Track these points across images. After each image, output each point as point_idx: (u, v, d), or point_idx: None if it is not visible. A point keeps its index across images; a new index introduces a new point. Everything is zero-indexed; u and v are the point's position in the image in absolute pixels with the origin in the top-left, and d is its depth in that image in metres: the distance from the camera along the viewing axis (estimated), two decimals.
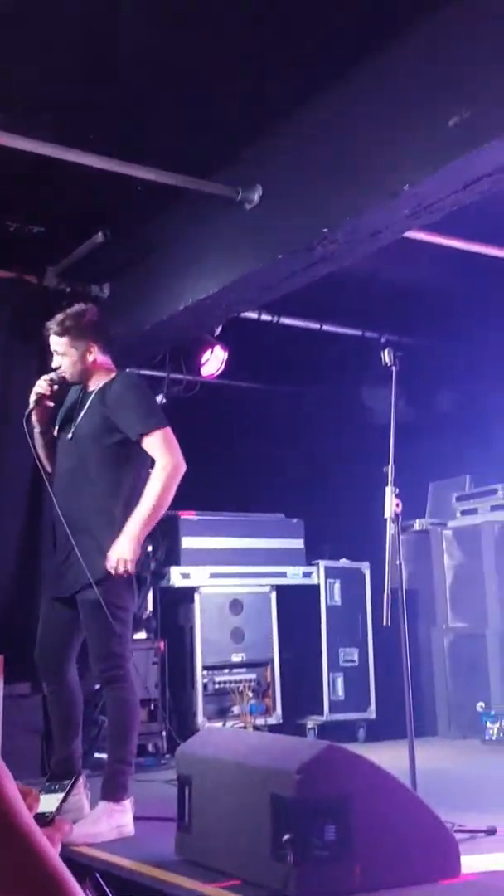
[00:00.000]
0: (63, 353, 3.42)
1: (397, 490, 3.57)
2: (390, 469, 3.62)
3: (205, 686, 5.34)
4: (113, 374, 3.48)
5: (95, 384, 3.45)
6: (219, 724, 5.21)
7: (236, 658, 5.50)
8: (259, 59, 3.63)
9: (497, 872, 2.64)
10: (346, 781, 2.54)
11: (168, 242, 4.75)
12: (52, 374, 3.42)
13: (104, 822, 3.13)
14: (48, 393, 3.39)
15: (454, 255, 5.14)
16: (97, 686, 3.76)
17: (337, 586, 5.87)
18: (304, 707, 5.65)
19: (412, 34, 3.37)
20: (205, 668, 5.37)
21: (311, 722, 5.57)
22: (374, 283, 5.78)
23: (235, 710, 5.34)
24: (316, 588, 5.82)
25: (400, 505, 3.58)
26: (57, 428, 3.50)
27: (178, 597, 5.48)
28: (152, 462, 3.36)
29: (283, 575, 5.82)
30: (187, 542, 5.55)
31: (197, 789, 2.89)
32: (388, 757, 3.54)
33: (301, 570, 5.86)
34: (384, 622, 3.40)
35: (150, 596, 5.36)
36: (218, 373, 6.06)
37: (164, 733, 5.12)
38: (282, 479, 6.39)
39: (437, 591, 6.00)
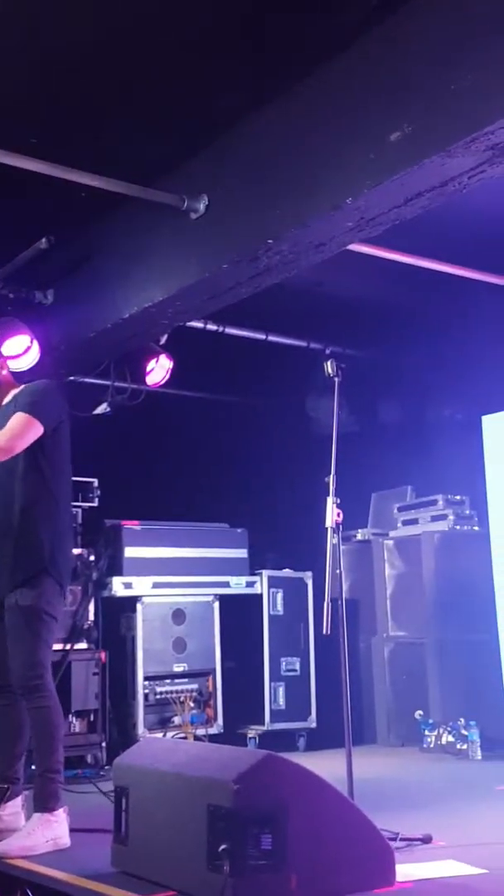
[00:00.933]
0: None
1: (338, 500, 3.60)
2: (331, 479, 3.65)
3: (146, 696, 5.31)
4: (21, 386, 3.53)
5: (6, 398, 3.51)
6: (159, 735, 5.18)
7: (178, 668, 5.47)
8: (207, 69, 3.64)
9: (431, 880, 2.66)
10: (283, 791, 2.54)
11: (113, 249, 4.73)
12: None
13: (39, 835, 3.09)
14: None
15: (398, 268, 5.20)
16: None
17: (280, 596, 5.89)
18: (245, 717, 5.65)
19: (357, 48, 3.41)
20: (146, 678, 5.34)
21: (252, 731, 5.57)
22: (320, 295, 5.82)
23: (177, 720, 5.31)
24: (259, 597, 5.82)
25: (341, 515, 3.61)
26: None
27: (120, 606, 5.44)
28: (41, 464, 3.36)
29: (227, 585, 5.82)
30: (130, 552, 5.52)
31: (134, 800, 2.87)
32: (327, 765, 3.56)
33: (245, 579, 5.87)
34: (324, 631, 3.42)
35: (91, 605, 5.31)
36: (163, 382, 6.04)
37: (103, 744, 5.07)
38: (226, 489, 6.39)
39: (377, 600, 6.06)
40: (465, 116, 2.95)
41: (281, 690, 5.67)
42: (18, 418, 3.32)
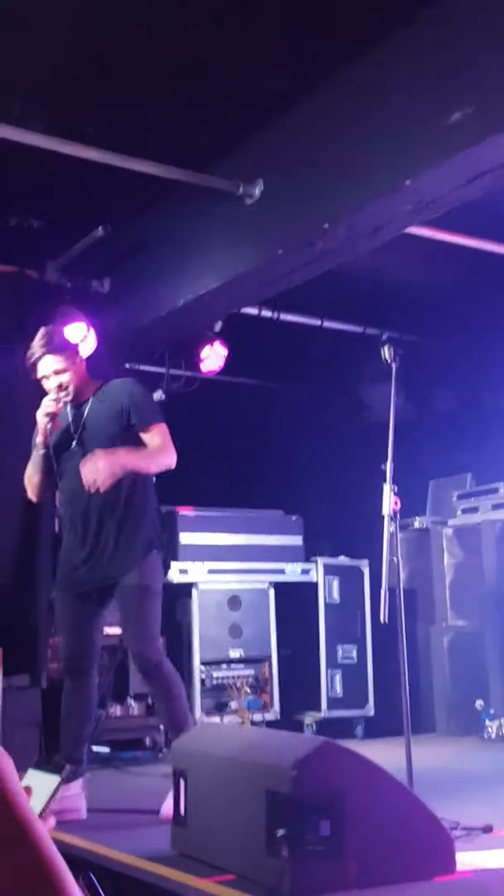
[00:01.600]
0: (62, 369, 3.51)
1: (396, 487, 3.56)
2: (389, 466, 3.60)
3: (202, 682, 5.34)
4: (99, 382, 3.61)
5: (88, 391, 3.58)
6: (216, 720, 5.20)
7: (234, 654, 5.49)
8: (260, 52, 3.62)
9: (492, 870, 2.63)
10: (341, 777, 2.53)
11: (168, 237, 4.74)
12: (53, 395, 3.50)
13: None
14: (56, 412, 3.49)
15: (457, 251, 5.12)
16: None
17: (336, 583, 5.87)
18: (301, 703, 5.65)
19: (415, 27, 3.35)
20: (202, 663, 5.37)
21: (309, 718, 5.57)
22: (377, 280, 5.76)
23: (233, 705, 5.33)
24: (314, 585, 5.81)
25: (398, 502, 3.56)
26: (51, 450, 3.54)
27: (176, 592, 5.47)
28: None
29: (282, 572, 5.82)
30: (185, 538, 5.55)
31: (192, 784, 2.89)
32: (385, 754, 3.54)
33: (300, 566, 5.86)
34: (382, 619, 3.39)
35: None
36: (218, 369, 6.04)
37: (161, 728, 5.12)
38: (281, 476, 6.38)
39: (436, 589, 5.99)
40: None
41: (338, 678, 5.66)
42: (161, 431, 3.49)
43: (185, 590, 5.46)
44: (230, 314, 5.35)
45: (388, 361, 3.73)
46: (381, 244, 4.15)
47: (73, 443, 3.52)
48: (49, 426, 3.47)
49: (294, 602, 5.82)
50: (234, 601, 5.59)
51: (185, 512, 5.60)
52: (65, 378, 3.50)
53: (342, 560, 5.97)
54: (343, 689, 5.66)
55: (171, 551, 5.49)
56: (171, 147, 4.11)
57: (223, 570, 5.59)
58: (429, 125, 3.27)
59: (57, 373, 3.50)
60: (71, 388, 3.51)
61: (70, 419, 3.57)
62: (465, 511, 6.09)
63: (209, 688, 5.37)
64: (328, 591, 5.83)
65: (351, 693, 5.67)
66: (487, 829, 3.02)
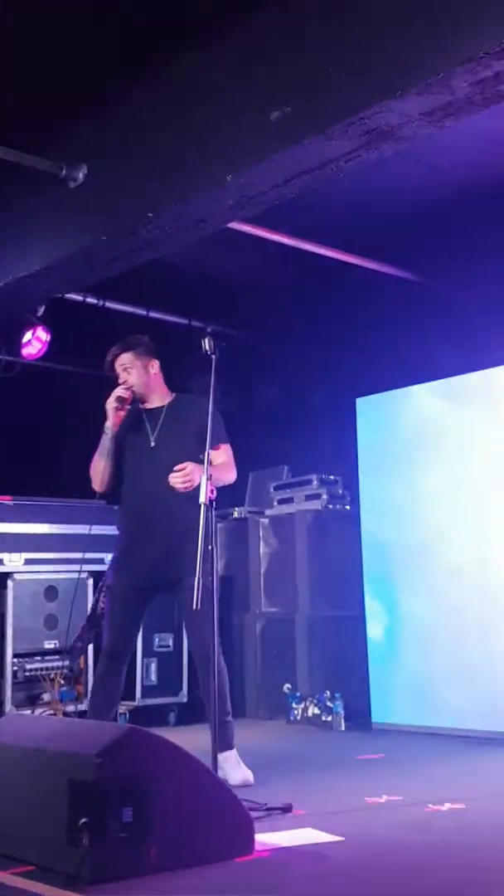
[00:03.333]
0: (126, 368, 3.97)
1: (213, 476, 3.61)
2: (206, 456, 3.66)
3: (14, 674, 5.22)
4: (173, 394, 4.06)
5: (161, 400, 4.01)
6: (27, 712, 5.11)
7: (49, 645, 5.40)
8: (91, 36, 3.56)
9: (288, 848, 2.73)
10: (145, 764, 2.55)
11: None
12: (122, 387, 3.94)
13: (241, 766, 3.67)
14: (127, 397, 3.92)
15: (280, 249, 5.26)
16: None
17: None
18: None
19: (241, 26, 3.40)
20: (15, 655, 5.25)
21: (123, 707, 5.56)
22: (203, 273, 5.82)
23: (46, 697, 5.25)
24: None
25: (214, 491, 3.62)
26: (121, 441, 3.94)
27: None
28: None
29: (102, 562, 5.76)
30: (2, 528, 5.40)
31: None
32: (195, 739, 3.60)
33: None
34: (195, 606, 3.43)
35: None
36: (40, 355, 5.92)
37: None
38: None
39: (252, 577, 6.14)
40: (343, 100, 2.99)
41: (153, 666, 5.69)
42: (227, 450, 3.93)
43: (1, 580, 5.32)
44: (54, 299, 5.25)
45: (209, 352, 3.78)
46: (206, 237, 4.20)
47: (151, 444, 3.91)
48: (119, 410, 3.89)
49: None
50: (50, 592, 5.50)
51: (3, 501, 5.45)
52: (127, 376, 3.96)
53: None
54: (158, 677, 5.69)
55: None
56: None
57: (41, 561, 5.48)
58: (251, 122, 3.33)
59: (126, 369, 3.97)
60: (135, 386, 3.95)
61: (146, 422, 3.96)
62: (280, 502, 6.26)
63: (21, 680, 5.26)
64: None
65: (166, 681, 5.71)
66: (287, 809, 3.13)
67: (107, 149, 4.02)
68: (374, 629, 5.60)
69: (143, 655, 5.66)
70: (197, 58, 3.61)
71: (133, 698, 5.58)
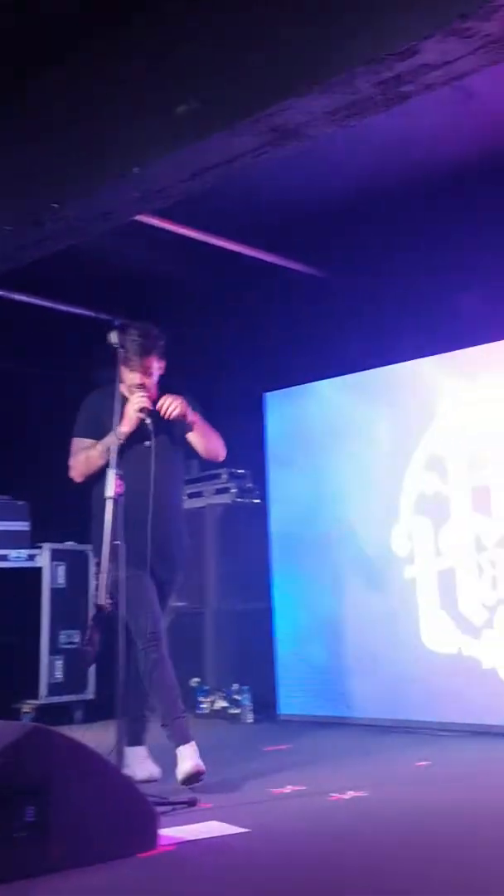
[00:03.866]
0: (155, 372, 3.98)
1: (120, 472, 3.59)
2: (113, 450, 3.64)
3: None
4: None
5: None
6: None
7: None
8: None
9: (193, 842, 2.74)
10: (49, 763, 2.53)
11: None
12: (142, 392, 3.91)
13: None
14: (150, 408, 3.87)
15: (187, 243, 5.25)
16: None
17: (62, 569, 5.82)
18: (20, 691, 5.54)
19: (152, 14, 3.36)
20: None
21: (28, 706, 5.48)
22: (111, 266, 5.76)
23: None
24: (39, 570, 5.72)
25: (122, 485, 3.60)
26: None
27: None
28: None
29: (6, 558, 5.67)
30: None
31: None
32: (101, 736, 3.58)
33: (25, 552, 5.75)
34: (100, 601, 3.41)
35: None
36: None
37: None
38: (6, 461, 6.20)
39: None
40: (248, 96, 3.00)
41: (59, 663, 5.62)
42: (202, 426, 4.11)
43: None
44: None
45: (116, 346, 3.78)
46: (114, 229, 4.15)
47: (147, 442, 3.82)
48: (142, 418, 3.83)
49: (18, 588, 5.70)
50: None
51: None
52: (151, 382, 3.95)
53: (69, 545, 5.92)
54: (64, 675, 5.62)
55: None
56: None
57: None
58: (158, 115, 3.30)
59: (151, 375, 3.94)
60: (152, 392, 3.93)
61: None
62: (190, 496, 6.25)
63: None
64: (54, 576, 5.77)
65: (72, 678, 5.65)
66: (192, 803, 3.14)
67: (11, 136, 3.93)
68: (282, 622, 5.66)
69: (50, 653, 5.59)
70: (106, 48, 3.56)
71: (38, 696, 5.51)
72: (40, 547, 5.79)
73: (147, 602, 3.78)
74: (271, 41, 2.97)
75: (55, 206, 3.76)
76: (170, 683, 3.74)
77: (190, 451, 4.15)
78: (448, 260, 5.19)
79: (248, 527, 5.98)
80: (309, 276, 5.75)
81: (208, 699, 5.57)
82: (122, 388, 3.88)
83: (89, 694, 5.69)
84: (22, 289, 5.78)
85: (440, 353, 5.26)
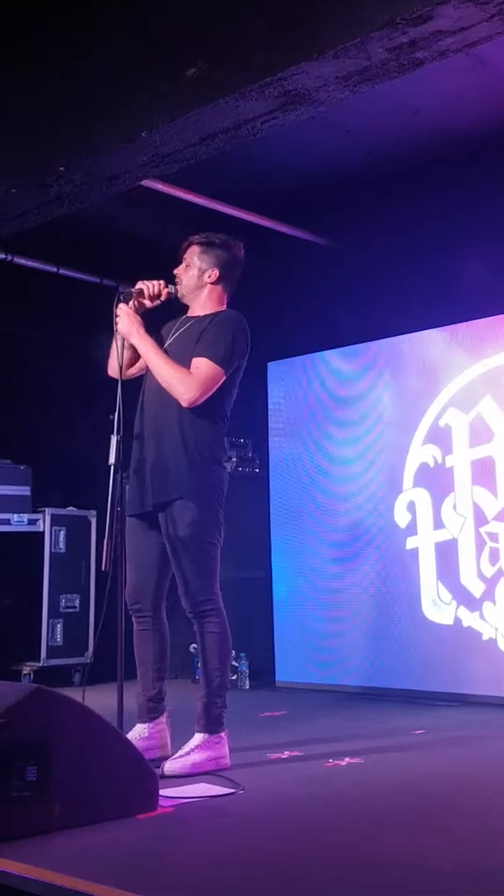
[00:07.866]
0: (188, 263, 3.63)
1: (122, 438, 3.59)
2: (117, 416, 3.63)
3: None
4: (222, 309, 3.63)
5: (201, 310, 3.60)
6: None
7: None
8: None
9: (188, 803, 2.78)
10: (50, 723, 2.56)
11: None
12: (153, 282, 3.60)
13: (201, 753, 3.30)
14: (155, 293, 3.59)
15: (194, 210, 5.20)
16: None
17: (62, 534, 5.84)
18: (21, 654, 5.60)
19: None
20: None
21: (27, 668, 5.53)
22: (116, 231, 5.72)
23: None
24: (41, 535, 5.75)
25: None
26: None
27: None
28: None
29: (8, 522, 5.69)
30: None
31: None
32: (101, 698, 3.61)
33: (27, 517, 5.77)
34: (103, 567, 3.43)
35: None
36: None
37: None
38: (8, 425, 6.20)
39: None
40: (259, 60, 2.96)
41: (59, 627, 5.66)
42: (207, 368, 3.46)
43: None
44: None
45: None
46: (120, 194, 4.12)
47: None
48: (134, 295, 3.58)
49: (19, 552, 5.73)
50: None
51: None
52: (181, 271, 3.63)
53: (70, 510, 5.95)
54: (63, 638, 5.67)
55: None
56: None
57: None
58: (167, 78, 3.26)
59: (187, 265, 3.63)
60: (182, 284, 3.62)
61: (171, 331, 3.61)
62: None
63: None
64: (55, 541, 5.79)
65: (71, 641, 5.70)
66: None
67: (18, 99, 3.89)
68: (280, 590, 5.70)
69: (49, 616, 5.63)
70: (116, 8, 3.51)
71: (38, 659, 5.56)
72: (42, 511, 5.81)
73: (136, 565, 3.57)
74: (284, 3, 2.93)
75: (62, 168, 3.73)
76: (157, 663, 3.57)
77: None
78: (455, 231, 5.16)
79: (248, 496, 5.99)
80: (314, 244, 5.71)
81: None
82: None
83: (88, 657, 5.74)
84: (23, 253, 5.75)
85: (445, 325, 5.24)
